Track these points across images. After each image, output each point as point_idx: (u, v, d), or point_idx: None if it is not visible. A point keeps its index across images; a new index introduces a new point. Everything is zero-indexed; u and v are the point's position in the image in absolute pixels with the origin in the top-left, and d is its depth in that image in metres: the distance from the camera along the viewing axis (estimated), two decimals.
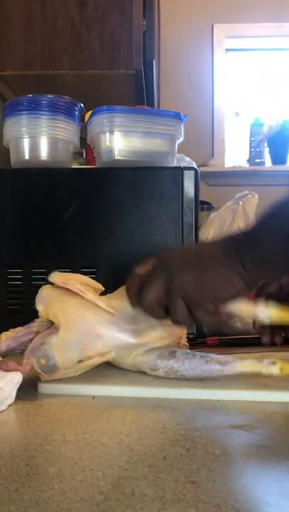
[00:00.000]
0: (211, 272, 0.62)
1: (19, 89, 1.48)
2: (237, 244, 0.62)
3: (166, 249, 0.71)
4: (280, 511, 0.32)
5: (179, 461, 0.39)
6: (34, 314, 0.90)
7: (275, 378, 0.60)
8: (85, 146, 1.22)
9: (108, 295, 0.68)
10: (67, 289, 0.65)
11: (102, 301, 0.65)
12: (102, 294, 0.69)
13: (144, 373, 0.63)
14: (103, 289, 0.69)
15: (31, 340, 0.62)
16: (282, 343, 0.86)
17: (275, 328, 0.72)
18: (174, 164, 0.97)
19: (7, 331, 0.87)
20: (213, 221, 1.19)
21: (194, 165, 1.10)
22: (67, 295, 0.65)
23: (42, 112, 0.93)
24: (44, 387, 0.60)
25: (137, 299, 0.65)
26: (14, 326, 0.90)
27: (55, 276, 0.66)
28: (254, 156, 3.06)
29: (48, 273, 0.90)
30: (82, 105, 0.99)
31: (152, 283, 0.63)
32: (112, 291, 0.69)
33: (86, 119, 1.02)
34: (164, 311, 0.64)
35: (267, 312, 0.65)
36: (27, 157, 0.95)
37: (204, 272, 0.62)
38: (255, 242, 0.62)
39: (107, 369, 0.66)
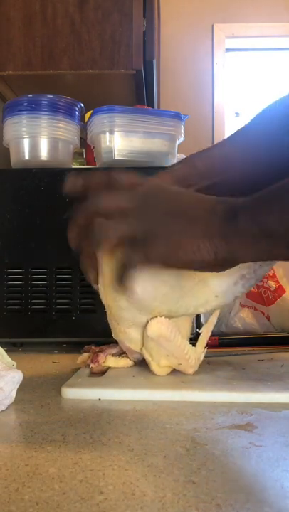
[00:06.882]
0: (179, 225, 0.53)
1: (19, 89, 1.48)
2: (234, 202, 0.53)
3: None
4: (280, 511, 0.32)
5: (179, 461, 0.39)
6: (34, 314, 0.90)
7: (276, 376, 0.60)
8: (85, 146, 1.22)
9: None
10: None
11: None
12: None
13: (148, 377, 0.63)
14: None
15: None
16: (282, 343, 0.86)
17: None
18: None
19: (7, 332, 0.88)
20: None
21: None
22: None
23: (42, 112, 0.93)
24: (67, 392, 0.57)
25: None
26: (14, 326, 0.91)
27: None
28: None
29: (48, 273, 0.91)
30: (82, 105, 0.99)
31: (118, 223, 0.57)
32: None
33: (86, 119, 1.03)
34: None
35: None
36: (27, 157, 0.95)
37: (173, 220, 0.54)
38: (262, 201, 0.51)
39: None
